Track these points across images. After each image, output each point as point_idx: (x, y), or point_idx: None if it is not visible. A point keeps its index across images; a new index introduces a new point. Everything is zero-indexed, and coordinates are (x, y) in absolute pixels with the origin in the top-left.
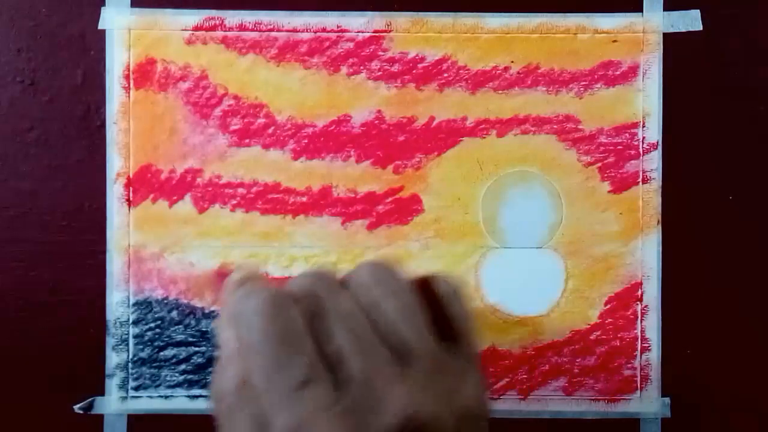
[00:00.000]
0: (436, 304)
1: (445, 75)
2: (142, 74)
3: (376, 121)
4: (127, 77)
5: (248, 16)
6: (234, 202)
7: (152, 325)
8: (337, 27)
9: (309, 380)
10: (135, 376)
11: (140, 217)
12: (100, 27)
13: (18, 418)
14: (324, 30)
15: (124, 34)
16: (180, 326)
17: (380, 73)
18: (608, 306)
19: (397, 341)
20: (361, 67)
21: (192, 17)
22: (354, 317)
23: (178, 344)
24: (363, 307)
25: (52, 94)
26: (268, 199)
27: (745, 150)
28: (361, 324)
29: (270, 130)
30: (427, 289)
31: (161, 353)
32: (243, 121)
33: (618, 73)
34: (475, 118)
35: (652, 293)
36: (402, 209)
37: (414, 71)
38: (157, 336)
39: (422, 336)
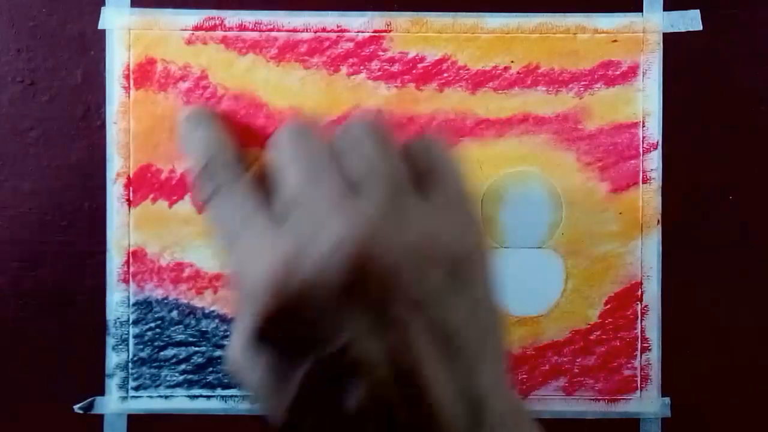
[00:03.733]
0: (415, 158)
1: (445, 75)
2: (142, 74)
3: None
4: (127, 77)
5: (248, 16)
6: None
7: (152, 325)
8: (337, 27)
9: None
10: (135, 376)
11: (140, 217)
12: (100, 27)
13: (18, 418)
14: (324, 30)
15: (124, 34)
16: (180, 326)
17: (380, 73)
18: (608, 306)
19: (355, 174)
20: (361, 67)
21: (192, 17)
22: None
23: (178, 344)
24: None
25: (52, 94)
26: None
27: (745, 150)
28: (321, 150)
29: (270, 130)
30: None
31: (161, 353)
32: (242, 120)
33: (618, 73)
34: (475, 118)
35: (652, 293)
36: None
37: (414, 71)
38: (157, 336)
39: (383, 172)
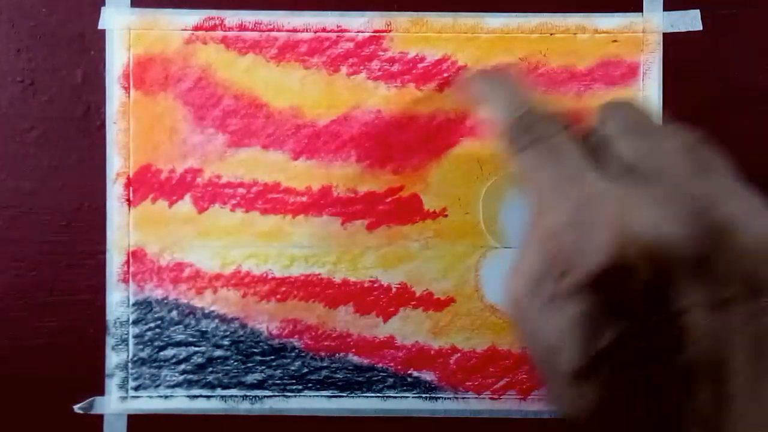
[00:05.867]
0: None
1: (445, 75)
2: (142, 74)
3: (376, 121)
4: (127, 77)
5: (248, 16)
6: (234, 202)
7: (152, 325)
8: (337, 27)
9: None
10: (135, 376)
11: (140, 217)
12: (100, 27)
13: (18, 418)
14: (324, 30)
15: (124, 34)
16: (180, 326)
17: (380, 73)
18: None
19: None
20: (361, 67)
21: (192, 17)
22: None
23: (178, 344)
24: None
25: (52, 94)
26: (268, 199)
27: (745, 150)
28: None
29: (270, 130)
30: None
31: (161, 353)
32: (242, 121)
33: (618, 73)
34: (475, 118)
35: None
36: (402, 209)
37: (414, 71)
38: (157, 336)
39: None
